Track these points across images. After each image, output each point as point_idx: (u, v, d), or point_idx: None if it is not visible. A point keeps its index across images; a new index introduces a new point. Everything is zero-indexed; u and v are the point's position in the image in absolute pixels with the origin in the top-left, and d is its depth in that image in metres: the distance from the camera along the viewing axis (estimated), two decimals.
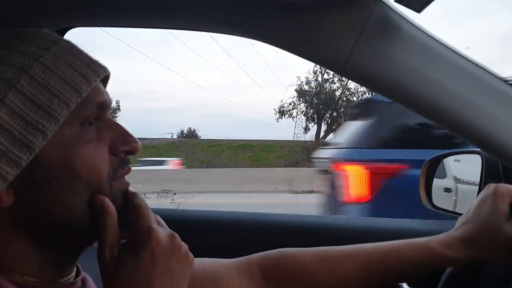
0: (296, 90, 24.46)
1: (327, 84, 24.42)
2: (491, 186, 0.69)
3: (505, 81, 0.70)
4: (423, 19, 0.69)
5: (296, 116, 24.75)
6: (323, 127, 23.94)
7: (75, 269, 0.56)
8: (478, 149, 0.99)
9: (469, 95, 0.69)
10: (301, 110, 24.67)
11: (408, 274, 0.70)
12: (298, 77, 31.86)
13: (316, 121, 24.12)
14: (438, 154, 1.23)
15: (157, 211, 1.20)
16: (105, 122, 0.54)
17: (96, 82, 0.52)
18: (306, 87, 24.45)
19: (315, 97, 23.88)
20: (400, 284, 0.75)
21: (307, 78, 24.78)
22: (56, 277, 0.53)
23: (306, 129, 24.62)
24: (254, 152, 22.05)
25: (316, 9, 0.67)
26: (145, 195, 10.44)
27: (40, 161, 0.47)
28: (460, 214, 0.74)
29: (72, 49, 0.53)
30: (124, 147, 0.54)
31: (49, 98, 0.47)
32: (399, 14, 0.67)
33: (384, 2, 0.66)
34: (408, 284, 0.78)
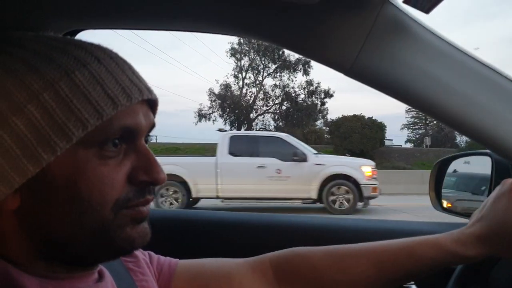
0: (212, 94, 24.30)
1: (248, 88, 24.43)
2: (507, 182, 0.67)
3: None
4: (431, 21, 0.69)
5: (215, 119, 24.74)
6: (242, 130, 23.65)
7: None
8: (488, 151, 0.98)
9: (479, 97, 0.68)
10: (219, 113, 24.57)
11: (420, 271, 0.69)
12: (217, 80, 31.20)
13: (235, 125, 23.93)
14: (448, 156, 1.22)
15: (168, 213, 1.21)
16: (133, 148, 0.52)
17: (126, 106, 0.50)
18: (223, 92, 24.18)
19: (228, 101, 23.67)
20: (407, 285, 0.74)
21: (226, 81, 24.72)
22: (70, 272, 0.53)
23: None
24: (178, 155, 21.70)
25: (323, 10, 0.67)
26: None
27: (46, 175, 0.47)
28: (469, 217, 0.74)
29: (115, 68, 0.51)
30: (144, 177, 0.52)
31: (68, 116, 0.46)
32: (407, 15, 0.67)
33: (392, 3, 0.66)
34: (417, 284, 0.77)
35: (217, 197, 9.40)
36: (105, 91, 0.49)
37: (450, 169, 1.21)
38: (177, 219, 1.16)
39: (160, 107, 0.59)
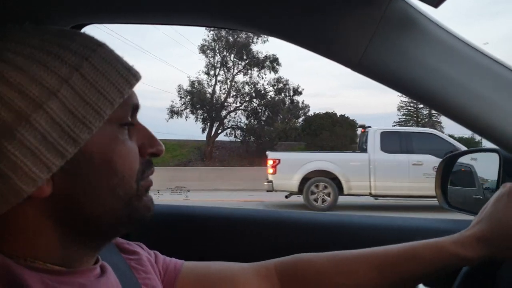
0: (181, 90, 23.79)
1: (222, 85, 24.09)
2: (507, 185, 0.69)
3: None
4: (437, 18, 0.68)
5: (187, 116, 24.18)
6: (215, 127, 23.38)
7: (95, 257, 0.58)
8: (496, 148, 0.97)
9: (488, 93, 0.67)
10: (190, 110, 23.89)
11: (422, 274, 0.70)
12: (189, 77, 29.03)
13: (208, 121, 23.67)
14: (455, 152, 1.21)
15: (169, 208, 1.20)
16: (134, 124, 0.56)
17: (134, 85, 0.54)
18: (193, 89, 23.67)
19: (195, 97, 23.28)
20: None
21: (198, 78, 24.19)
22: (77, 264, 0.54)
23: (204, 129, 23.86)
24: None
25: (331, 4, 0.66)
26: (159, 191, 10.55)
27: (82, 154, 0.49)
28: (476, 213, 0.73)
29: (112, 52, 0.55)
30: (151, 150, 0.57)
31: (97, 96, 0.50)
32: (416, 10, 0.66)
33: None
34: (424, 285, 0.77)
35: (370, 195, 9.20)
36: (118, 71, 0.53)
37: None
38: (182, 214, 1.16)
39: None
